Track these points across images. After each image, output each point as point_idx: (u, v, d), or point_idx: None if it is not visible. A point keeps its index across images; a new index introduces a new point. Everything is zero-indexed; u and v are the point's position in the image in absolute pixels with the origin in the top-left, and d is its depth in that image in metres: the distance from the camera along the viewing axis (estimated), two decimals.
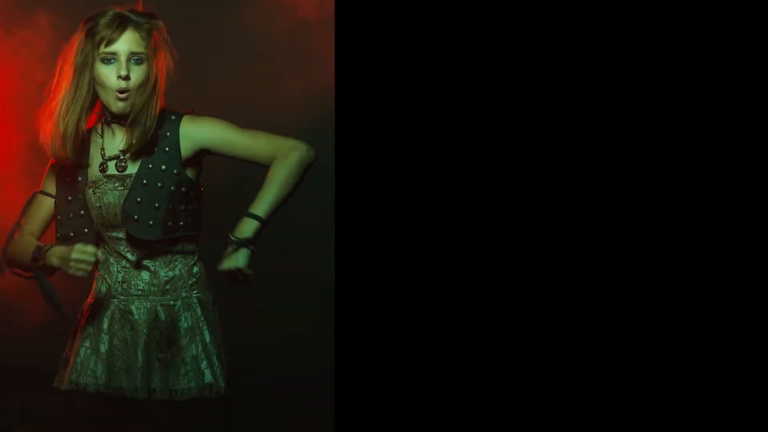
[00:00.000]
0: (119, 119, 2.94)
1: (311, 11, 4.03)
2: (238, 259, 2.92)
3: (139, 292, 3.02)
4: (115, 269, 3.04)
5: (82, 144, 2.95)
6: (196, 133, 2.96)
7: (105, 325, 3.01)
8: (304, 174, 2.87)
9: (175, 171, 2.96)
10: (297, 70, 4.00)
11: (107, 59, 2.91)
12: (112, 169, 2.98)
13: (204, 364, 3.01)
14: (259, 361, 3.78)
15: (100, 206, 2.97)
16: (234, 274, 2.92)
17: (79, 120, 2.91)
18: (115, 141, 2.99)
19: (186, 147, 2.96)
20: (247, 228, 2.92)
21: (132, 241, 2.97)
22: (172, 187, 2.95)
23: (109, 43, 2.90)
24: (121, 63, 2.89)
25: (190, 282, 3.05)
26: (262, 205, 2.92)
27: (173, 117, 2.99)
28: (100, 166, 2.98)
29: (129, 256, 3.01)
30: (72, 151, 2.92)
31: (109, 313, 3.02)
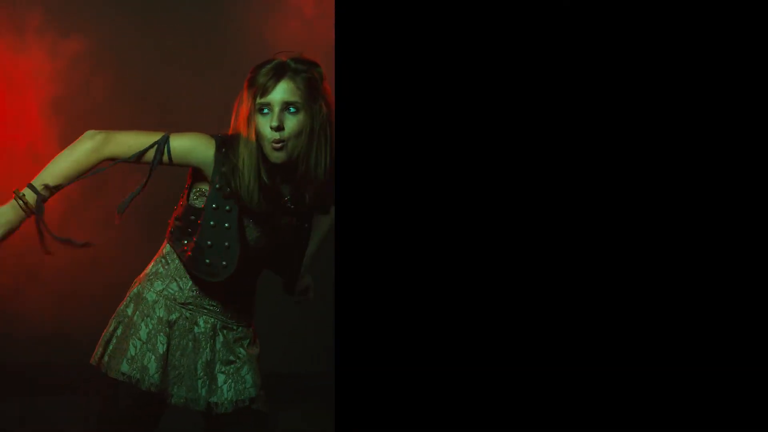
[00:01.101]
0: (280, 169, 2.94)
1: (311, 11, 4.04)
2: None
3: (210, 308, 3.04)
4: (191, 278, 3.03)
5: (269, 194, 2.95)
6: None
7: (167, 328, 3.01)
8: None
9: (306, 225, 3.11)
10: None
11: (263, 109, 2.90)
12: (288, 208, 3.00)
13: (249, 380, 3.08)
14: (259, 362, 3.78)
15: (249, 239, 2.99)
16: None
17: (258, 170, 2.91)
18: (282, 191, 2.99)
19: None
20: None
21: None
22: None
23: (264, 93, 2.88)
24: (274, 113, 2.88)
25: (250, 311, 3.12)
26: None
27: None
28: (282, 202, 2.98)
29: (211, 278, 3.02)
30: (259, 199, 2.92)
31: (174, 317, 3.02)
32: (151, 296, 3.02)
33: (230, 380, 3.03)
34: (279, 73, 2.89)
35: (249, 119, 2.89)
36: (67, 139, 3.04)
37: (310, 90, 2.90)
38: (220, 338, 3.05)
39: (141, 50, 4.47)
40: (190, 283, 3.01)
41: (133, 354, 2.98)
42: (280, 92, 2.87)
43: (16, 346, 4.36)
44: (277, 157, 2.89)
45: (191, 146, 2.92)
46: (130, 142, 2.89)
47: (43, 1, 4.42)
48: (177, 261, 3.02)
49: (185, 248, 2.98)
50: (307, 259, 3.13)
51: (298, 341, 3.62)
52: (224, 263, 2.95)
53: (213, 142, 2.93)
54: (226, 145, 2.92)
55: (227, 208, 2.93)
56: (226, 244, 2.95)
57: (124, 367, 2.97)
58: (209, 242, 2.94)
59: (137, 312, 3.01)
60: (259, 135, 2.89)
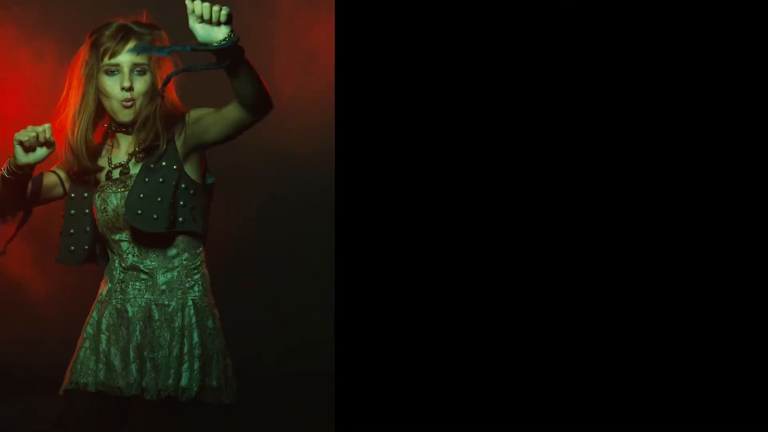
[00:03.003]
0: (125, 128, 3.01)
1: (311, 11, 4.04)
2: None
3: (135, 292, 3.06)
4: (117, 271, 3.08)
5: (93, 153, 3.02)
6: (187, 125, 3.01)
7: (103, 325, 3.06)
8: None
9: (174, 167, 3.00)
10: (297, 71, 4.00)
11: (111, 71, 2.98)
12: (116, 174, 3.03)
13: (185, 366, 3.04)
14: (259, 362, 3.78)
15: (105, 209, 3.03)
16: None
17: (86, 130, 2.99)
18: (121, 151, 3.05)
19: (180, 142, 3.01)
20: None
21: (136, 239, 3.02)
22: (173, 182, 3.00)
23: (113, 55, 2.97)
24: (124, 74, 2.96)
25: (187, 285, 3.08)
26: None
27: (179, 116, 3.04)
28: (106, 174, 3.04)
29: (130, 258, 3.05)
30: (83, 161, 2.99)
31: (107, 313, 3.07)
32: (94, 308, 3.09)
33: (164, 367, 3.03)
34: (125, 35, 2.97)
35: (90, 78, 2.96)
36: None
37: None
38: (155, 317, 3.05)
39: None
40: (116, 275, 3.07)
41: (79, 361, 3.05)
42: (129, 54, 2.95)
43: (21, 347, 4.36)
44: (125, 114, 2.97)
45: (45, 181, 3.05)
46: None
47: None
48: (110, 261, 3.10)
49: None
50: None
51: (298, 341, 3.62)
52: (72, 248, 3.05)
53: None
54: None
55: (85, 195, 3.04)
56: (71, 231, 3.05)
57: (73, 377, 3.04)
58: (71, 230, 3.05)
59: (85, 324, 3.08)
60: (105, 94, 2.97)
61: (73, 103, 2.99)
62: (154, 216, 2.98)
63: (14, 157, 2.89)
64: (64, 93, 3.02)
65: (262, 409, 3.73)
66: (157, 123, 2.98)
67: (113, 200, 3.02)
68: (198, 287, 3.08)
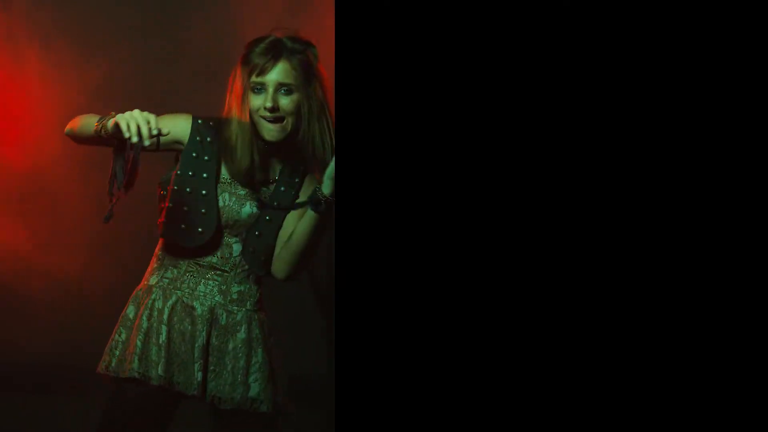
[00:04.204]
0: (274, 151, 3.01)
1: (311, 11, 4.04)
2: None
3: (207, 290, 3.03)
4: (185, 265, 3.04)
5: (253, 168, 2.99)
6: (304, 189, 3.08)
7: (165, 316, 2.99)
8: None
9: (283, 216, 3.04)
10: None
11: (256, 88, 2.94)
12: (267, 189, 3.04)
13: (252, 378, 3.03)
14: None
15: (236, 209, 3.01)
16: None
17: (251, 146, 2.96)
18: (272, 170, 3.05)
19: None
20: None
21: (228, 247, 3.03)
22: (279, 224, 3.04)
23: (261, 73, 2.93)
24: (268, 94, 2.93)
25: (254, 299, 3.08)
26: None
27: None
28: (246, 178, 3.00)
29: (203, 263, 3.04)
30: (241, 177, 2.98)
31: (170, 303, 3.01)
32: (148, 292, 3.02)
33: (223, 371, 3.02)
34: (275, 53, 2.93)
35: (243, 97, 2.93)
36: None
37: (305, 71, 2.95)
38: (221, 321, 3.03)
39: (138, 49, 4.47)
40: (185, 266, 3.01)
41: (140, 351, 2.97)
42: (276, 73, 2.92)
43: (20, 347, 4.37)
44: (271, 133, 2.94)
45: (173, 123, 2.95)
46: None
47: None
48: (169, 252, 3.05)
49: (161, 219, 3.01)
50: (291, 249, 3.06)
51: (298, 342, 3.62)
52: (200, 230, 2.97)
53: (189, 116, 2.98)
54: (206, 120, 2.98)
55: (204, 175, 2.97)
56: (203, 210, 2.97)
57: (135, 365, 2.96)
58: (186, 208, 2.97)
59: (137, 311, 3.01)
60: (252, 112, 2.93)
61: (234, 119, 2.96)
62: (263, 258, 3.01)
63: (112, 127, 2.78)
64: (226, 108, 2.99)
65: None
66: (326, 149, 2.97)
67: (235, 204, 3.01)
68: (261, 302, 3.11)
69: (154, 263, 3.07)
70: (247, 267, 3.03)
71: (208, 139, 2.99)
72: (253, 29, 3.92)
